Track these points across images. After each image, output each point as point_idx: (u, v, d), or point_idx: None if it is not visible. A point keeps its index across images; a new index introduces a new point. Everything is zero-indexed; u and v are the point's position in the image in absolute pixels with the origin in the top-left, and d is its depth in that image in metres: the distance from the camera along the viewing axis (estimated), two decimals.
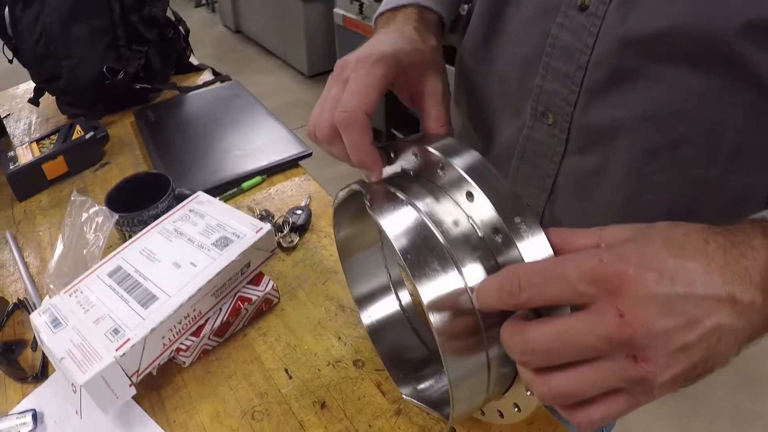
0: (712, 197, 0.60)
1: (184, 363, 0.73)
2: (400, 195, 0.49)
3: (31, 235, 1.00)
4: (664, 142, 0.57)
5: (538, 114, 0.64)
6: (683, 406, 1.91)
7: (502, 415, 0.55)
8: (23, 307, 0.82)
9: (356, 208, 0.62)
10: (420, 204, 0.48)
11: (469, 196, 0.46)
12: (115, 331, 0.66)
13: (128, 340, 0.65)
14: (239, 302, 0.76)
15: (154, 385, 0.72)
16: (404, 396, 0.65)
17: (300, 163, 1.13)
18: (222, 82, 1.48)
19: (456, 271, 0.44)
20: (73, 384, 0.64)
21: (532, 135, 0.66)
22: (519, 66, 0.65)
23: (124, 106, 1.37)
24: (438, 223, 0.47)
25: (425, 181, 0.51)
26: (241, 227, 0.78)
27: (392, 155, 0.55)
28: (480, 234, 0.46)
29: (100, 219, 0.84)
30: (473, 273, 0.45)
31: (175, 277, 0.72)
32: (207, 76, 1.55)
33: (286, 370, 0.72)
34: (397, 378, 0.68)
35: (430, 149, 0.50)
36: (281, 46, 4.50)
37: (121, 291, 0.71)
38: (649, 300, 0.35)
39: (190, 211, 0.83)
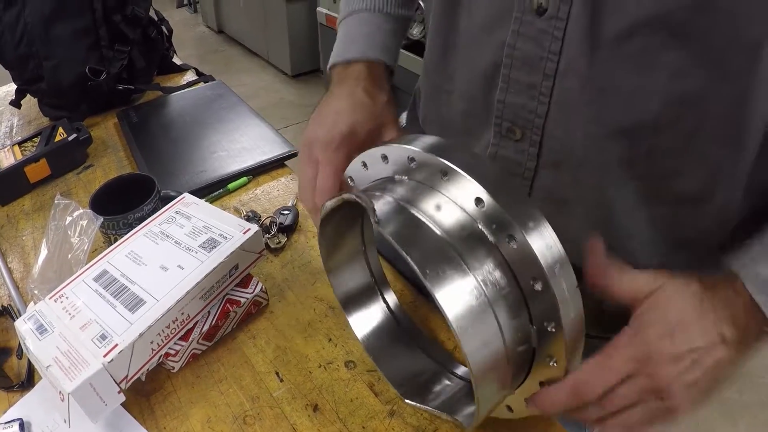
0: (688, 207, 0.59)
1: (173, 368, 0.72)
2: (408, 207, 0.48)
3: (14, 240, 0.98)
4: (641, 153, 0.54)
5: (503, 130, 0.60)
6: None
7: (511, 410, 0.55)
8: (7, 313, 0.81)
9: (340, 215, 0.62)
10: (430, 217, 0.47)
11: (479, 202, 0.46)
12: (103, 337, 0.65)
13: (116, 345, 0.64)
14: (228, 305, 0.75)
15: (144, 391, 0.71)
16: (407, 402, 0.65)
17: (286, 162, 1.12)
18: (206, 82, 1.47)
19: (474, 282, 0.45)
20: (60, 392, 0.62)
21: (500, 153, 0.62)
22: (479, 81, 0.61)
23: (107, 107, 1.36)
24: (449, 233, 0.46)
25: (429, 188, 0.50)
26: (228, 229, 0.77)
27: (384, 158, 0.54)
28: (491, 239, 0.46)
29: (84, 222, 0.82)
30: (491, 282, 0.46)
31: (162, 280, 0.71)
32: (190, 76, 1.53)
33: (277, 373, 0.72)
34: (395, 382, 0.67)
35: (430, 155, 0.49)
36: (264, 46, 4.47)
37: (108, 296, 0.70)
38: (667, 360, 0.48)
39: (176, 213, 0.82)
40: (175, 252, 0.75)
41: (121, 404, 0.67)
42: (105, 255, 0.76)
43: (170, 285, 0.70)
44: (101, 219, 0.82)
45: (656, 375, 0.48)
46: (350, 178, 0.60)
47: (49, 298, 0.71)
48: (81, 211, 0.84)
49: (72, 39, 1.23)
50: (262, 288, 0.78)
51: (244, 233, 0.76)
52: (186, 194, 0.86)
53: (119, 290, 0.71)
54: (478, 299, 0.44)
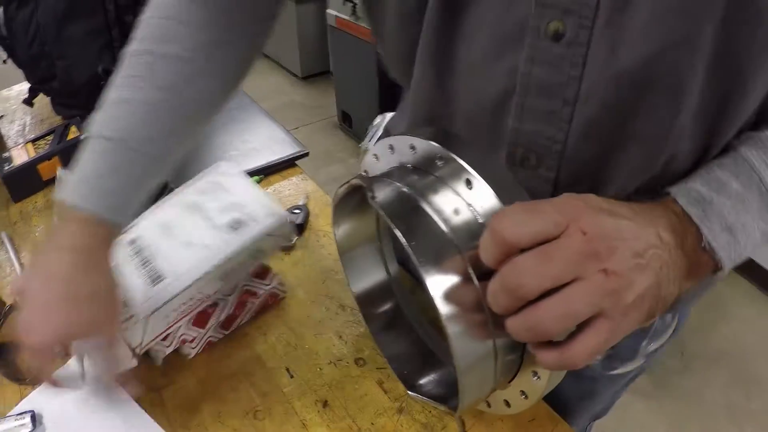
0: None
1: (190, 354, 0.73)
2: (402, 187, 0.50)
3: (28, 236, 0.99)
4: (657, 175, 0.53)
5: (517, 159, 0.56)
6: (678, 406, 1.92)
7: (509, 405, 0.55)
8: None
9: (355, 204, 0.63)
10: (421, 194, 0.48)
11: (468, 183, 0.47)
12: (123, 304, 0.65)
13: (132, 316, 0.65)
14: (245, 296, 0.76)
15: (155, 385, 0.71)
16: (408, 392, 0.65)
17: (297, 162, 1.13)
18: None
19: (460, 258, 0.45)
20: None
21: None
22: (486, 107, 0.56)
23: None
24: (439, 212, 0.47)
25: (423, 172, 0.51)
26: (258, 209, 0.77)
27: (390, 149, 0.56)
28: (481, 221, 0.46)
29: None
30: (476, 259, 0.45)
31: (186, 257, 0.72)
32: None
33: (288, 369, 0.72)
34: (401, 374, 0.67)
35: (428, 141, 0.51)
36: (273, 48, 4.48)
37: (137, 262, 0.71)
38: (602, 221, 0.41)
39: (213, 182, 0.82)
40: (203, 228, 0.75)
41: (132, 398, 0.67)
42: (138, 220, 0.78)
43: (192, 263, 0.71)
44: None
45: (588, 226, 0.41)
46: (365, 171, 0.61)
47: None
48: None
49: (85, 39, 1.23)
50: (279, 280, 0.80)
51: (273, 217, 0.76)
52: (221, 162, 0.86)
53: (145, 260, 0.72)
54: (467, 281, 0.44)
